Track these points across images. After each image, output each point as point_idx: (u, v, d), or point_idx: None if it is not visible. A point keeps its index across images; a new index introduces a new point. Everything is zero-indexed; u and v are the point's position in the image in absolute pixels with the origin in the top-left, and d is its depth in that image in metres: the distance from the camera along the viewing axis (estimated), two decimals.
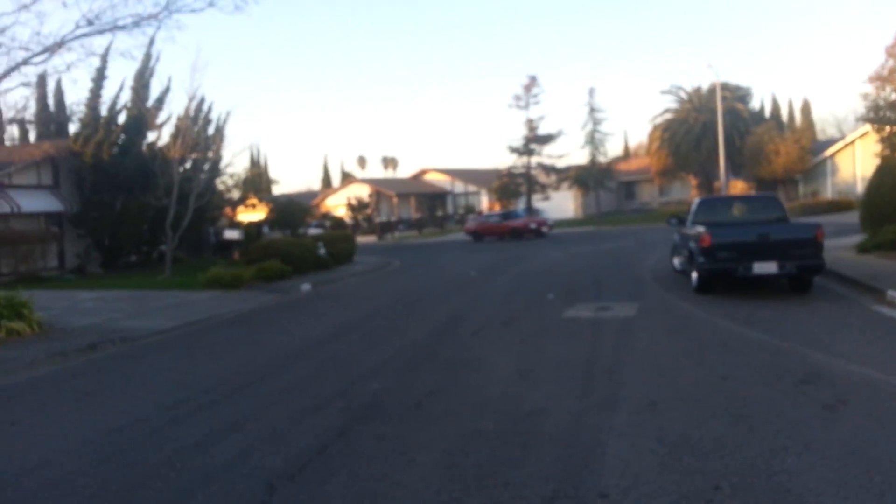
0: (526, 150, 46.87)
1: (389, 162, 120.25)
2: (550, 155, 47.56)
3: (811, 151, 46.62)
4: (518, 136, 47.18)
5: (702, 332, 8.44)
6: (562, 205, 53.69)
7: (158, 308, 13.88)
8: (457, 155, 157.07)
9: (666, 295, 11.78)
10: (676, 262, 14.93)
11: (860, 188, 44.60)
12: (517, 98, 47.55)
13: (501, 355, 7.76)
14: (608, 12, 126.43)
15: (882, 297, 9.99)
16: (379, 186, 60.33)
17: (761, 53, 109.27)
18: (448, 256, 26.13)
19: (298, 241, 21.42)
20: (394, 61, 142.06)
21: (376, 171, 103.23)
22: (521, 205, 54.27)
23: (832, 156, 46.38)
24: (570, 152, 51.37)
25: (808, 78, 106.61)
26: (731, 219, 12.59)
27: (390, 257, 27.60)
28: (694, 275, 11.79)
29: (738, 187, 50.37)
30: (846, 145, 45.81)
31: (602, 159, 51.00)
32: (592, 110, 50.75)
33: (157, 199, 22.49)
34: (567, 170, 48.82)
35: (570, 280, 14.92)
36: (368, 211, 52.43)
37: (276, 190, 72.85)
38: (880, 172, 16.07)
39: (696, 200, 13.47)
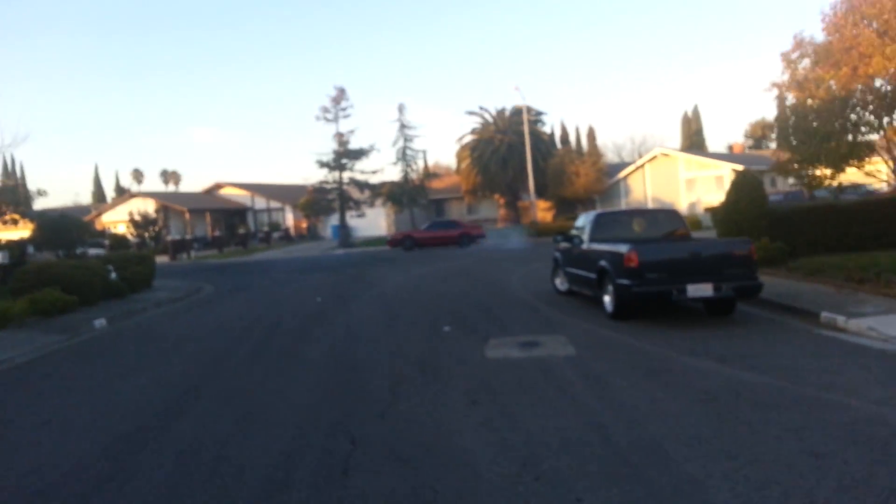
0: (337, 165, 44.12)
1: (171, 176, 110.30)
2: (363, 170, 45.31)
3: (606, 174, 49.68)
4: (328, 151, 44.34)
5: (687, 378, 6.68)
6: (375, 222, 51.77)
7: None
8: (254, 170, 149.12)
9: (579, 322, 10.08)
10: (559, 282, 13.50)
11: (651, 206, 48.40)
12: (325, 110, 44.74)
13: (470, 440, 5.27)
14: (416, 30, 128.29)
15: (816, 320, 9.14)
16: (167, 201, 53.84)
17: (551, 80, 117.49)
18: (271, 278, 22.72)
19: (82, 265, 16.93)
20: (183, 64, 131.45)
21: (155, 186, 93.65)
22: (332, 221, 51.47)
23: (625, 178, 49.75)
24: (383, 168, 49.34)
25: (591, 106, 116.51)
26: (634, 235, 11.34)
27: (196, 281, 23.50)
28: (608, 299, 10.26)
29: (543, 206, 52.34)
30: (637, 168, 49.41)
31: (414, 176, 49.96)
32: (403, 126, 49.59)
33: None
34: (380, 186, 46.97)
35: (449, 306, 12.76)
36: (156, 228, 46.18)
37: (40, 204, 62.37)
38: (736, 187, 16.06)
39: (589, 215, 12.08)
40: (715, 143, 72.93)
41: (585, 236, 11.52)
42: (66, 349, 11.08)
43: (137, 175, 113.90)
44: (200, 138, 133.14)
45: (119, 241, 40.75)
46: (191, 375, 8.17)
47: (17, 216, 26.64)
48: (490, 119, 53.72)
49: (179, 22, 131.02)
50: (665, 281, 9.29)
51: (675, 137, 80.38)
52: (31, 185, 62.12)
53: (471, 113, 53.44)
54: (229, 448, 5.30)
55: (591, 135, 70.65)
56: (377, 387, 6.90)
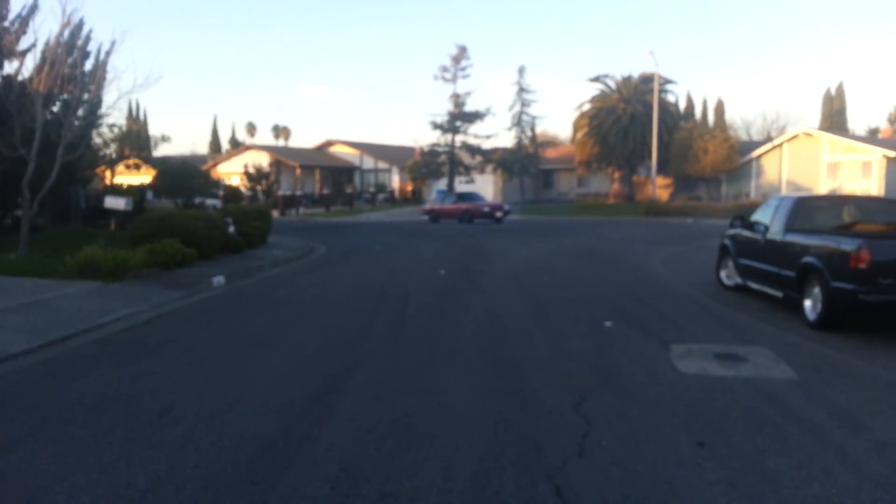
0: (451, 127, 42.97)
1: (281, 131, 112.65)
2: (477, 135, 43.90)
3: (738, 152, 45.85)
4: (442, 112, 43.14)
5: None
6: (482, 189, 50.26)
7: (3, 311, 8.88)
8: (363, 129, 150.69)
9: (771, 329, 8.27)
10: (725, 275, 11.62)
11: (784, 190, 44.35)
12: (444, 69, 43.56)
13: None
14: None
15: None
16: (280, 155, 54.52)
17: (678, 49, 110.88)
18: (384, 243, 21.81)
19: (203, 216, 16.45)
20: (294, 22, 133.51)
21: (266, 140, 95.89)
22: (439, 186, 50.50)
23: (758, 157, 45.79)
24: (497, 133, 47.61)
25: (720, 78, 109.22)
26: (844, 226, 9.32)
27: (307, 239, 22.96)
28: (809, 304, 8.38)
29: (661, 183, 49.07)
30: (773, 147, 45.32)
31: (527, 143, 47.97)
32: (522, 90, 47.61)
33: (10, 147, 16.54)
34: (492, 152, 45.37)
35: (594, 292, 11.22)
36: (269, 181, 46.70)
37: (162, 151, 64.95)
38: None
39: (784, 199, 10.10)
40: (856, 125, 66.32)
41: (778, 224, 9.59)
42: (185, 309, 10.34)
43: (251, 128, 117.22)
44: (311, 94, 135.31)
45: (233, 192, 41.42)
46: (327, 360, 7.05)
47: (139, 161, 27.03)
48: (613, 87, 50.61)
49: None
50: None
51: (814, 116, 73.71)
52: (154, 132, 64.69)
53: (594, 79, 50.48)
54: (391, 483, 4.04)
55: (720, 108, 66.01)
56: (557, 404, 5.48)
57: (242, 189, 43.83)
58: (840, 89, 66.89)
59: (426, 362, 6.82)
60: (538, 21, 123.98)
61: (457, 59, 43.30)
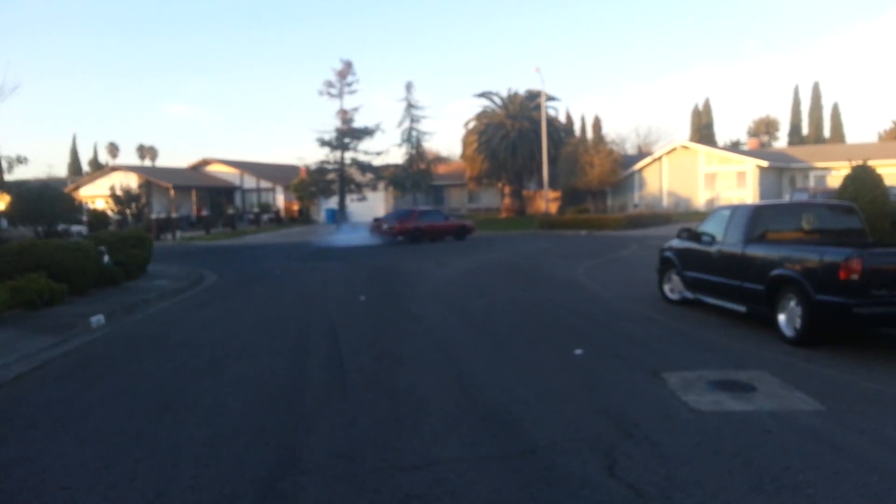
0: (340, 144, 41.31)
1: (147, 151, 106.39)
2: (367, 151, 42.56)
3: (621, 165, 47.36)
4: (330, 129, 41.40)
5: None
6: (373, 207, 48.84)
7: None
8: (240, 149, 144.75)
9: (751, 349, 7.60)
10: (669, 289, 11.06)
11: (666, 202, 46.25)
12: (329, 85, 41.91)
13: None
14: (419, 14, 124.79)
15: None
16: (151, 176, 50.51)
17: (556, 68, 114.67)
18: (282, 267, 19.97)
19: (73, 245, 14.10)
20: (159, 38, 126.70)
21: (130, 162, 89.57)
22: (328, 205, 48.61)
23: (640, 170, 47.51)
24: (388, 150, 46.14)
25: (595, 96, 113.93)
26: (805, 234, 8.92)
27: (192, 266, 20.70)
28: (784, 318, 7.82)
29: (549, 196, 49.80)
30: (654, 160, 47.19)
31: (420, 160, 47.18)
32: (410, 106, 46.77)
33: None
34: (383, 168, 44.13)
35: (542, 314, 10.28)
36: (140, 204, 42.93)
37: (17, 174, 58.39)
38: (855, 183, 13.72)
39: (737, 208, 9.61)
40: (722, 138, 70.80)
41: (735, 236, 9.06)
42: (62, 359, 8.36)
43: (113, 149, 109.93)
44: (178, 113, 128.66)
45: (99, 217, 37.62)
46: (265, 427, 5.53)
47: None
48: (499, 103, 50.97)
49: None
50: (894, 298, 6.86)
51: (684, 131, 78.43)
52: (5, 152, 58.26)
53: (480, 95, 50.59)
54: None
55: (597, 125, 68.57)
56: (585, 468, 4.35)
57: (110, 213, 39.95)
58: (707, 105, 71.47)
59: (394, 420, 5.49)
60: (424, 39, 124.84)
61: (342, 75, 41.86)
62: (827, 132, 67.19)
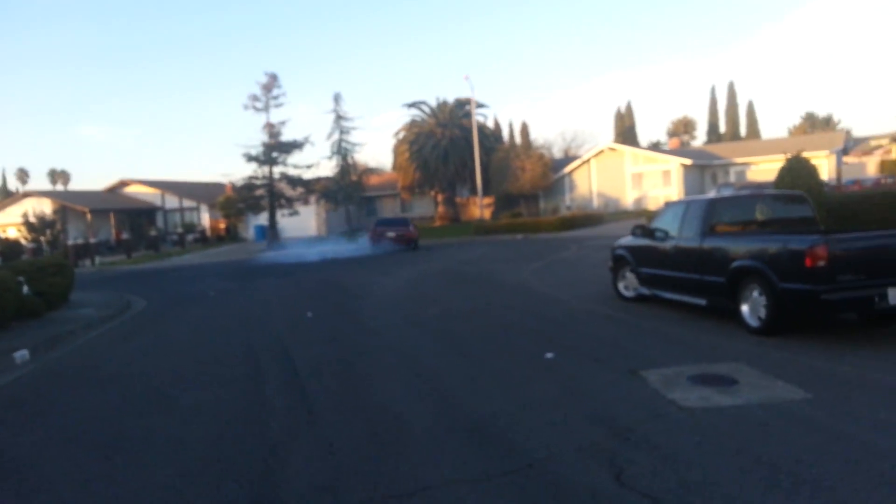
0: (268, 159, 40.17)
1: (59, 175, 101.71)
2: (297, 165, 41.55)
3: (552, 169, 47.99)
4: (256, 143, 40.21)
5: None
6: (304, 222, 47.76)
7: None
8: (160, 169, 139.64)
9: (718, 340, 7.57)
10: (623, 286, 11.03)
11: (596, 203, 47.14)
12: (254, 98, 40.76)
13: None
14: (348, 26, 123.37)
15: None
16: (65, 200, 47.89)
17: (482, 76, 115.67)
18: (215, 288, 19.07)
19: None
20: (66, 61, 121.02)
21: (41, 187, 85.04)
22: (257, 221, 47.24)
23: (570, 173, 48.28)
24: (318, 162, 45.30)
25: (521, 103, 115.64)
26: (759, 224, 9.01)
27: (117, 292, 19.57)
28: (747, 308, 7.83)
29: (485, 202, 49.93)
30: (583, 163, 48.04)
31: (352, 172, 46.43)
32: (339, 118, 45.94)
33: None
34: (315, 182, 43.19)
35: (499, 320, 10.00)
36: (55, 231, 40.60)
37: None
38: (791, 174, 14.15)
39: (694, 203, 9.59)
40: (645, 140, 73.03)
41: (691, 230, 9.06)
42: None
43: (22, 175, 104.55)
44: (92, 135, 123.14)
45: (11, 247, 35.37)
46: (233, 462, 5.00)
47: None
48: (429, 111, 50.84)
49: (66, 9, 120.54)
50: (861, 284, 6.94)
51: (608, 134, 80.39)
52: None
53: (410, 105, 50.38)
54: None
55: (525, 131, 69.33)
56: (591, 477, 4.08)
57: (23, 242, 37.62)
58: (629, 107, 73.54)
59: (373, 443, 5.09)
60: (348, 51, 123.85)
61: (267, 88, 40.80)
62: (743, 129, 70.32)
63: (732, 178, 47.65)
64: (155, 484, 4.61)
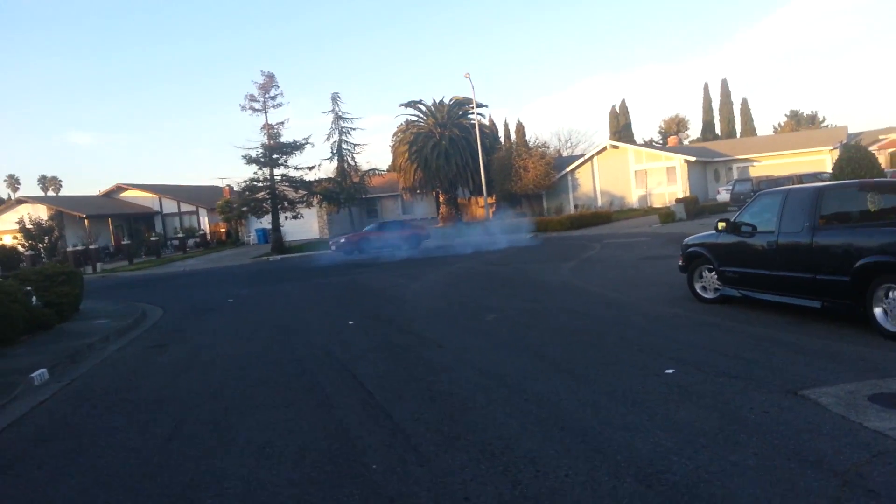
0: (269, 161, 38.93)
1: (50, 182, 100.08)
2: (298, 166, 40.37)
3: (554, 168, 47.05)
4: (256, 145, 38.96)
5: None
6: (306, 224, 46.61)
7: None
8: (157, 173, 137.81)
9: (858, 349, 6.60)
10: (700, 287, 10.07)
11: (600, 201, 46.24)
12: (252, 99, 39.43)
13: None
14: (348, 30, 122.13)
15: None
16: (61, 206, 46.55)
17: (478, 76, 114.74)
18: (233, 294, 17.98)
19: None
20: (54, 67, 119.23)
21: (32, 194, 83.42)
22: (258, 225, 46.09)
23: (573, 171, 47.35)
24: (320, 164, 43.92)
25: (516, 103, 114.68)
26: (873, 215, 8.06)
27: (128, 300, 18.54)
28: (881, 311, 6.87)
29: (483, 203, 48.86)
30: (585, 161, 47.13)
31: (353, 173, 45.32)
32: (338, 118, 44.91)
33: None
34: (316, 183, 42.04)
35: (580, 327, 8.96)
36: (53, 237, 39.36)
37: None
38: (851, 164, 13.21)
39: (795, 192, 8.56)
40: (639, 138, 72.02)
41: (795, 224, 8.08)
42: (7, 438, 6.47)
43: (13, 182, 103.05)
44: (81, 142, 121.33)
45: (9, 254, 34.15)
46: None
47: None
48: (426, 112, 49.79)
49: (56, 11, 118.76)
50: None
51: (603, 133, 79.45)
52: None
53: (408, 104, 49.24)
54: None
55: (520, 130, 68.43)
56: None
57: (21, 249, 36.35)
58: (623, 106, 72.63)
59: (520, 497, 4.07)
60: (337, 52, 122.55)
61: (265, 88, 39.53)
62: (738, 126, 69.65)
63: (735, 174, 46.92)
64: None
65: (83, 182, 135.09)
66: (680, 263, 10.60)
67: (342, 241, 32.17)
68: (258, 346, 10.09)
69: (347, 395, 6.72)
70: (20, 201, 47.29)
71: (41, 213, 42.51)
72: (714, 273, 9.70)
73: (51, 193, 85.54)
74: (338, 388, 7.02)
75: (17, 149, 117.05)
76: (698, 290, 10.09)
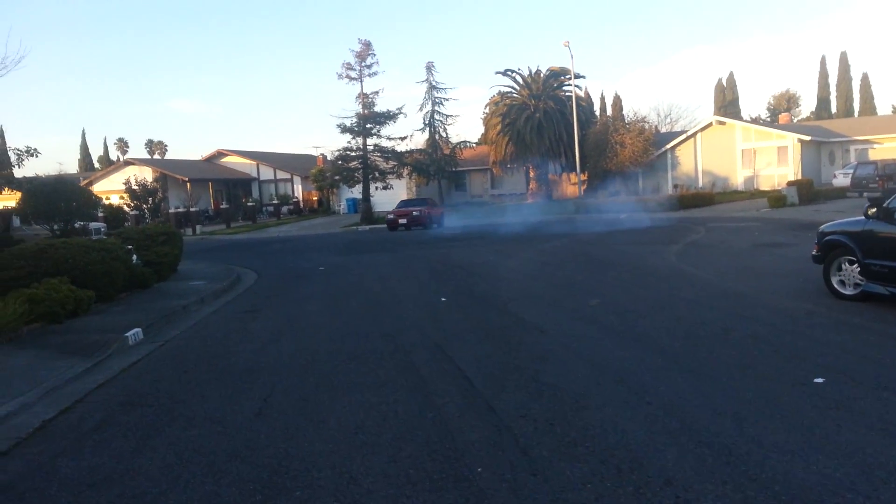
0: (362, 130, 39.02)
1: (156, 146, 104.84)
2: (390, 136, 40.28)
3: (654, 144, 44.91)
4: (350, 114, 39.16)
5: None
6: (395, 195, 46.61)
7: None
8: (254, 141, 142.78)
9: None
10: (837, 281, 8.92)
11: (702, 181, 43.87)
12: (348, 67, 39.45)
13: None
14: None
15: None
16: (166, 169, 48.51)
17: (574, 46, 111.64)
18: (325, 262, 17.94)
19: (98, 245, 12.04)
20: (163, 35, 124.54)
21: (140, 156, 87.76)
22: (349, 194, 46.57)
23: (673, 148, 45.07)
24: (411, 135, 43.71)
25: (613, 75, 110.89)
26: None
27: (224, 263, 18.84)
28: None
29: (574, 180, 47.36)
30: (688, 138, 44.73)
31: (444, 144, 44.87)
32: (431, 88, 44.42)
33: None
34: (407, 154, 41.85)
35: (704, 319, 8.09)
36: (156, 198, 41.06)
37: (28, 170, 56.59)
38: None
39: None
40: (745, 115, 67.83)
41: None
42: (96, 399, 6.35)
43: (122, 145, 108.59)
44: (183, 109, 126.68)
45: (115, 213, 35.77)
46: None
47: None
48: (521, 82, 48.43)
49: None
50: None
51: (707, 108, 75.51)
52: (15, 146, 56.42)
53: (502, 73, 47.99)
54: None
55: (617, 104, 65.97)
56: None
57: (126, 209, 38.11)
58: (731, 79, 68.55)
59: None
60: (431, 21, 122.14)
61: (361, 56, 39.48)
62: (857, 104, 64.52)
63: (853, 157, 43.44)
64: None
65: (187, 147, 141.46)
66: (814, 253, 9.48)
67: (391, 217, 32.51)
68: (349, 318, 9.77)
69: (443, 379, 6.21)
70: (128, 163, 49.61)
71: (147, 174, 44.39)
72: (857, 266, 8.57)
73: (157, 157, 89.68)
74: (433, 371, 6.52)
75: (127, 114, 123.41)
76: (835, 285, 8.96)
